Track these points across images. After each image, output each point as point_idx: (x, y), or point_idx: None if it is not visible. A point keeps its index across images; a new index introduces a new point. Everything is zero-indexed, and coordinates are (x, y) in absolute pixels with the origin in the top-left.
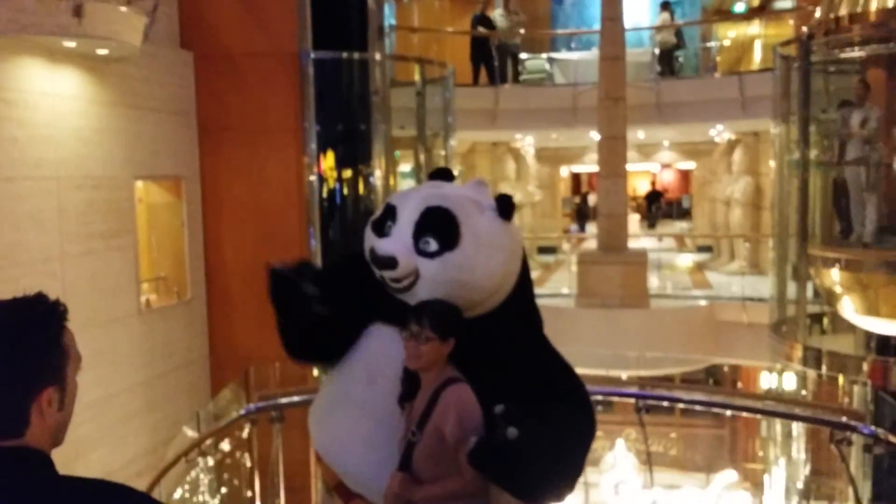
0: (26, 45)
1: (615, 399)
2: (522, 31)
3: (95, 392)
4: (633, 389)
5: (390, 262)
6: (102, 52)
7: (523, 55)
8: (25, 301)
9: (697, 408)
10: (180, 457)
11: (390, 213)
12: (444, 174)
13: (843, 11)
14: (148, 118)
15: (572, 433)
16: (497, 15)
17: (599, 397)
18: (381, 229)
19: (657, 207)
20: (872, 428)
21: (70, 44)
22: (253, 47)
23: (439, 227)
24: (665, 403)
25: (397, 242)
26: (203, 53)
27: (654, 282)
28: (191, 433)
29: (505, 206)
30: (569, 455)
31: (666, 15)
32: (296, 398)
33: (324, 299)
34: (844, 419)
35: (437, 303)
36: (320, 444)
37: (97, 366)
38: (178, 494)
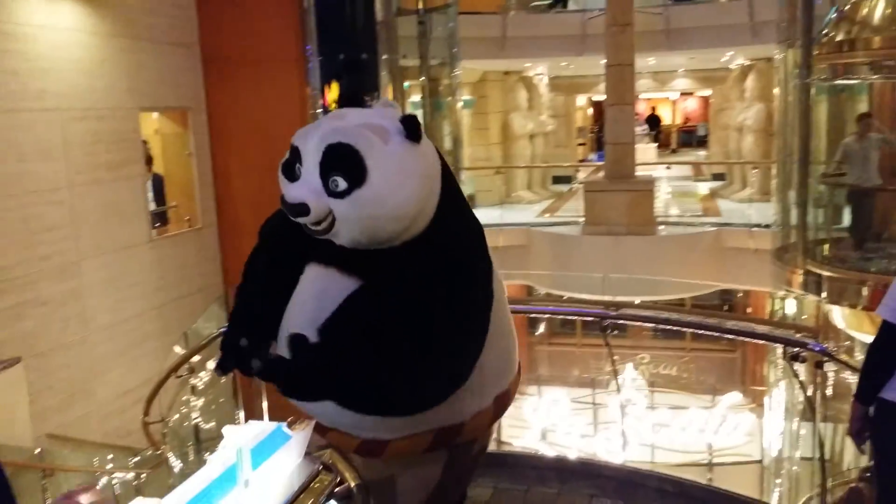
0: None
1: (628, 323)
2: None
3: (109, 316)
4: (599, 309)
5: (302, 209)
6: None
7: None
8: None
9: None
10: (170, 373)
11: (295, 154)
12: (353, 101)
13: None
14: (150, 49)
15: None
16: None
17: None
18: (292, 173)
19: (657, 132)
20: (823, 345)
21: None
22: None
23: (344, 165)
24: (631, 323)
25: (306, 187)
26: None
27: (666, 210)
28: (180, 351)
29: (412, 128)
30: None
31: None
32: None
33: (257, 342)
34: (798, 336)
35: None
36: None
37: (111, 291)
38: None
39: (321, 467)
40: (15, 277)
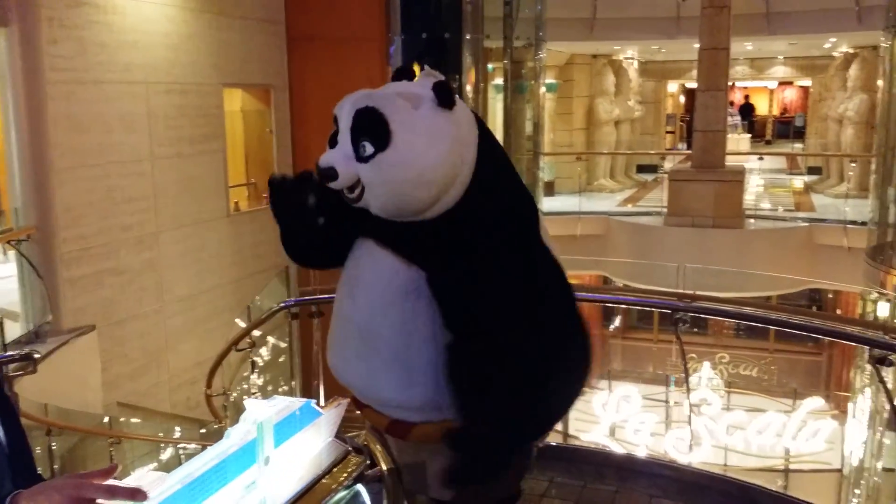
0: None
1: (702, 317)
2: None
3: (185, 288)
4: (668, 300)
5: (330, 173)
6: None
7: None
8: None
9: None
10: (230, 347)
11: (336, 122)
12: (403, 73)
13: None
14: (236, 26)
15: (543, 365)
16: None
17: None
18: (334, 141)
19: (751, 122)
20: None
21: None
22: None
23: (370, 129)
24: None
25: (339, 152)
26: None
27: (756, 203)
28: (242, 324)
29: (442, 94)
30: (535, 388)
31: None
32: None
33: (322, 210)
34: (887, 338)
35: None
36: (329, 361)
37: (187, 264)
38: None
39: (351, 448)
40: (95, 246)
